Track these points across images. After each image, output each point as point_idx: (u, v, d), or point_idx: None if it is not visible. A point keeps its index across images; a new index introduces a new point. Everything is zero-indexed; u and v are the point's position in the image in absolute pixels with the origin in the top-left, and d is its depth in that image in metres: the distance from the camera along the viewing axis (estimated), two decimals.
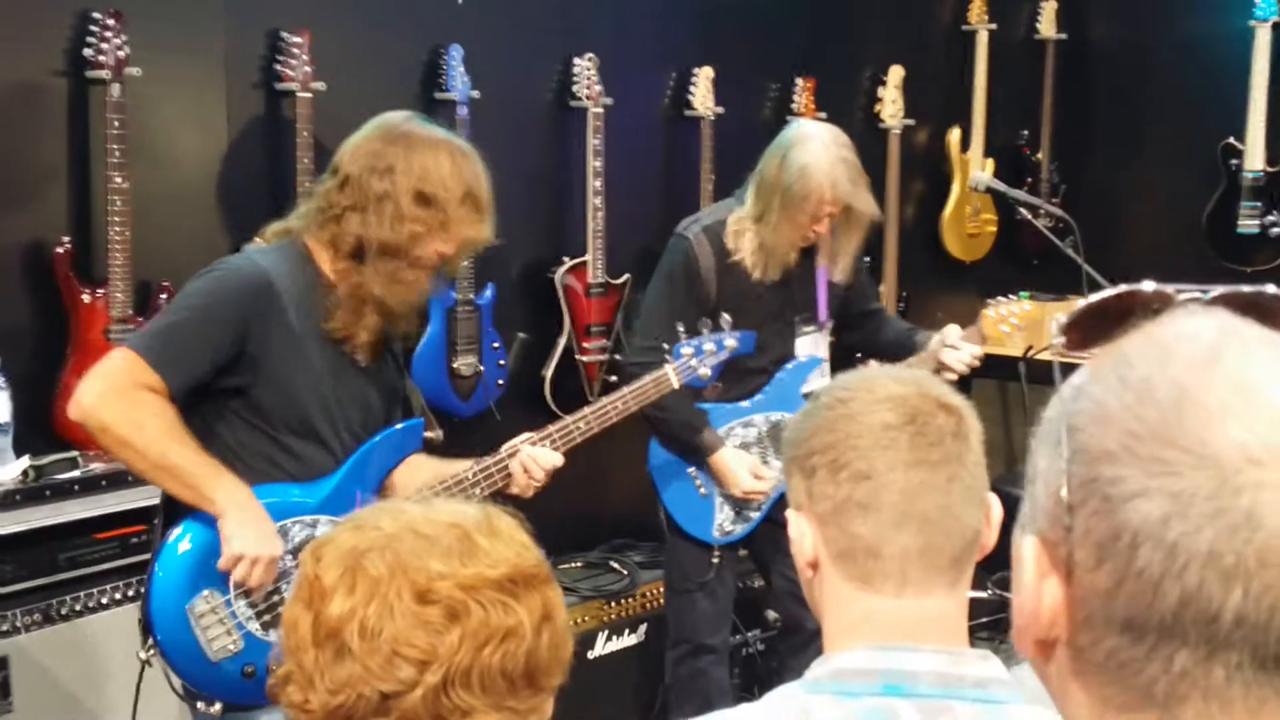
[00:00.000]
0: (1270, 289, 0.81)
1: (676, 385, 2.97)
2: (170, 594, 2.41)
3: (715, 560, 3.60)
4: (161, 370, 2.36)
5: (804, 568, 1.31)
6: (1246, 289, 0.80)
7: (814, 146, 3.34)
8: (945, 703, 1.20)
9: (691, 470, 3.57)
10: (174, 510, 2.46)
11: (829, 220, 3.40)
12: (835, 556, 1.28)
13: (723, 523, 3.60)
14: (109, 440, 2.38)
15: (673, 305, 3.39)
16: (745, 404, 3.58)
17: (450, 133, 2.63)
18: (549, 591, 1.32)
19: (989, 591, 4.22)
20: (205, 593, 2.42)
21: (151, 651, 2.43)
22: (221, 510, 2.39)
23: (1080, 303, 0.81)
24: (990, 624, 4.37)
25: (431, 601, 1.25)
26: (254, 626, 2.45)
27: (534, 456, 2.68)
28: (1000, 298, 3.75)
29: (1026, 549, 0.75)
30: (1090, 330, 0.80)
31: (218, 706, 2.45)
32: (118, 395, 2.35)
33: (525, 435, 2.74)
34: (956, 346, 3.51)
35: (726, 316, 3.12)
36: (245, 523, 2.40)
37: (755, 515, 3.60)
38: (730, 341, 3.04)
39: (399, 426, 2.65)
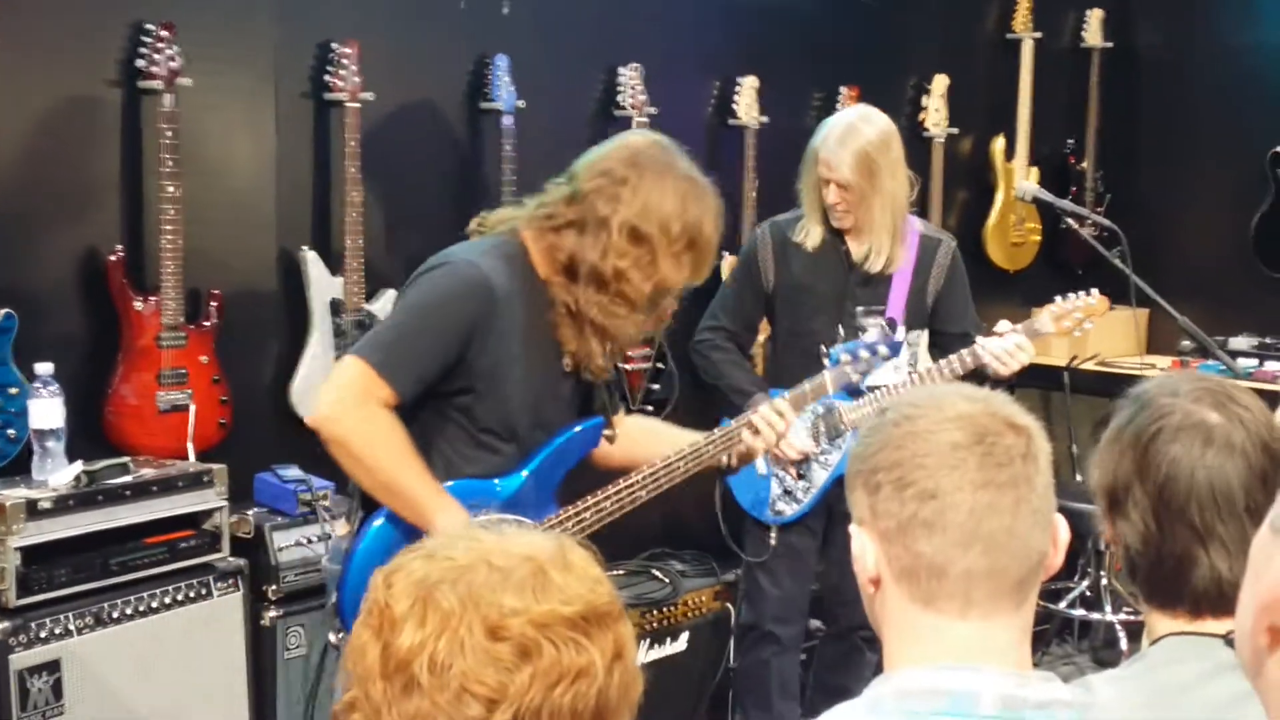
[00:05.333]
0: None
1: (831, 390, 2.94)
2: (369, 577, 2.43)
3: (772, 541, 3.68)
4: (391, 380, 2.38)
5: (865, 584, 1.30)
6: None
7: (837, 116, 3.65)
8: None
9: None
10: (370, 500, 2.49)
11: (836, 191, 3.49)
12: (898, 575, 1.27)
13: (774, 501, 3.68)
14: (341, 454, 2.41)
15: (734, 289, 3.81)
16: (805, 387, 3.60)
17: (691, 164, 2.57)
18: (621, 629, 1.29)
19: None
20: None
21: (342, 635, 2.44)
22: None
23: None
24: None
25: (503, 638, 1.21)
26: None
27: (775, 408, 2.77)
28: (1070, 294, 3.50)
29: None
30: None
31: None
32: (352, 410, 2.37)
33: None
34: (1000, 334, 3.37)
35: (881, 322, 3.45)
36: None
37: (805, 498, 3.66)
38: (882, 349, 2.94)
39: (578, 429, 2.65)
